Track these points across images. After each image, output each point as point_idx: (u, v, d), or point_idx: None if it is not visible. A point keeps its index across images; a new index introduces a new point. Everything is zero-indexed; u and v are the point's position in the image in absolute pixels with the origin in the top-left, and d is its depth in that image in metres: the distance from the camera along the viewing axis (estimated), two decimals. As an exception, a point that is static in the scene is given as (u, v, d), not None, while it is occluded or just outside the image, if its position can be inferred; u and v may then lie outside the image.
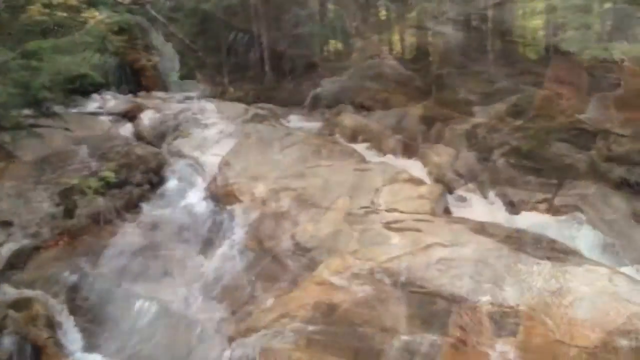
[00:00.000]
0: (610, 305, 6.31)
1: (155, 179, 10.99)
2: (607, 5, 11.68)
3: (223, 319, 7.09)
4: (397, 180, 10.63)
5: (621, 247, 9.42)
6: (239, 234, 8.69)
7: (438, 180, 11.95)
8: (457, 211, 10.61)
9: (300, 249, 8.07)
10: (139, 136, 13.58)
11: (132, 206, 10.17)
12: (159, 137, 13.42)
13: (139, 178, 10.75)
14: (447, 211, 10.46)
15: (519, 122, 12.49)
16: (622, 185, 9.85)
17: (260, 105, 17.10)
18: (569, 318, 6.17)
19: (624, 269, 8.45)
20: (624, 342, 5.68)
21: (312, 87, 20.14)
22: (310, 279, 7.24)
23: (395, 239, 7.98)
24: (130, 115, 14.78)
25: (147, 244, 8.98)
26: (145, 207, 10.20)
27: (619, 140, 10.09)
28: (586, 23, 11.06)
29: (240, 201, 9.57)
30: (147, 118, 14.18)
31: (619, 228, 9.66)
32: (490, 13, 18.17)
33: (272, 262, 7.82)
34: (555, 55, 16.19)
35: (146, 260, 8.63)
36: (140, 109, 15.03)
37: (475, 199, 11.63)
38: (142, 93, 18.13)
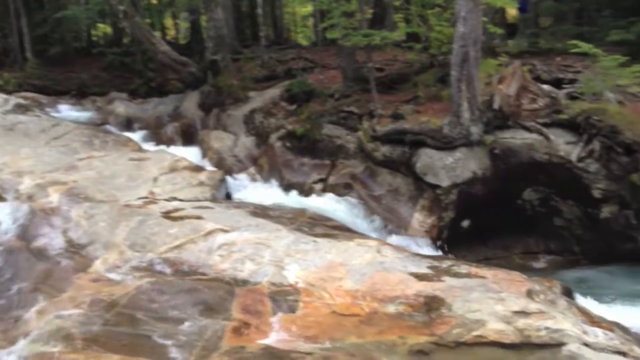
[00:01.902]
0: (379, 275, 6.82)
1: None
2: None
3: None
4: (176, 168, 10.48)
5: (387, 220, 10.22)
6: (2, 235, 7.94)
7: (218, 166, 12.00)
8: (238, 196, 10.75)
9: (74, 246, 7.59)
10: None
11: None
12: None
13: None
14: (228, 196, 10.55)
15: (292, 107, 12.93)
16: (386, 162, 10.63)
17: (23, 94, 15.74)
18: (343, 290, 6.55)
19: (390, 240, 9.22)
20: (391, 308, 6.17)
21: (82, 73, 19.06)
22: (86, 276, 6.87)
23: (175, 228, 7.85)
24: None
25: None
26: None
27: (382, 121, 10.89)
28: (348, 11, 11.71)
29: (3, 199, 8.75)
30: None
31: (386, 202, 10.46)
32: (259, -1, 18.42)
33: (42, 262, 7.25)
34: (324, 42, 17.02)
35: None
36: None
37: (255, 182, 11.87)
38: None
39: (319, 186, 11.14)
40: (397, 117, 10.87)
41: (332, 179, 11.17)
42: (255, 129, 13.12)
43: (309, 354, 5.35)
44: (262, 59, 16.70)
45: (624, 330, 6.65)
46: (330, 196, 10.70)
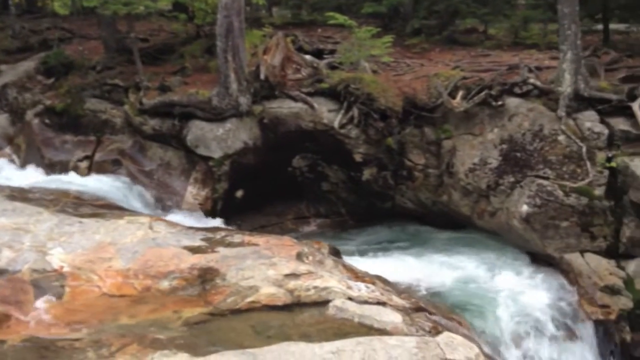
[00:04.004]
0: (151, 252, 6.66)
1: None
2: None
3: None
4: None
5: (161, 195, 10.00)
6: None
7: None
8: (-7, 179, 9.80)
9: None
10: None
11: None
12: None
13: None
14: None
15: (50, 80, 11.99)
16: (156, 136, 10.34)
17: None
18: (114, 270, 6.30)
19: (163, 216, 9.03)
20: (165, 284, 6.07)
21: None
22: None
23: None
24: None
25: None
26: None
27: (149, 93, 10.53)
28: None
29: None
30: None
31: (158, 177, 10.21)
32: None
33: None
34: (84, 11, 15.95)
35: None
36: None
37: (12, 164, 10.92)
38: None
39: (84, 164, 10.54)
40: (164, 89, 10.58)
41: (98, 156, 10.63)
42: (9, 105, 11.98)
43: (78, 339, 5.06)
44: (12, 28, 15.17)
45: (385, 282, 7.25)
46: (97, 174, 10.18)
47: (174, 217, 9.25)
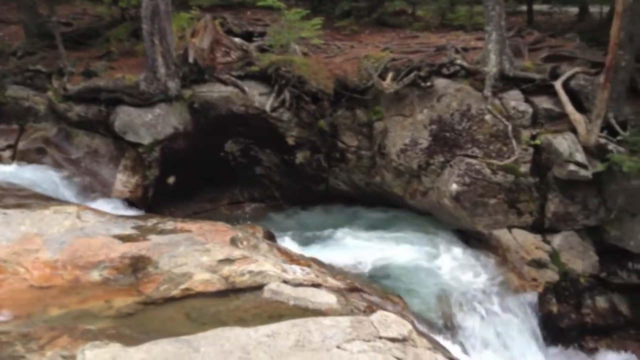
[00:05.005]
0: (80, 242, 6.47)
1: None
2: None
3: None
4: None
5: (89, 184, 9.72)
6: None
7: None
8: None
9: None
10: None
11: None
12: None
13: None
14: None
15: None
16: (82, 123, 10.02)
17: None
18: (41, 262, 6.09)
19: (92, 205, 8.79)
20: (95, 274, 5.90)
21: None
22: None
23: None
24: None
25: None
26: None
27: (74, 79, 10.18)
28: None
29: None
30: None
31: (85, 165, 9.91)
32: None
33: None
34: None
35: None
36: None
37: None
38: None
39: (7, 153, 10.13)
40: (89, 74, 10.25)
41: (22, 145, 10.23)
42: None
43: (5, 333, 4.86)
44: None
45: (320, 264, 7.30)
46: (21, 163, 9.81)
47: (104, 205, 9.01)
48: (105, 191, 9.72)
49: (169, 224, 7.29)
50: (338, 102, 10.13)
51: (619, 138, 8.52)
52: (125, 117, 9.71)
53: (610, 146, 8.44)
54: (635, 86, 9.02)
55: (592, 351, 8.46)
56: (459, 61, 9.74)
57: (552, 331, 8.23)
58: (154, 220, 7.53)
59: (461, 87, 9.49)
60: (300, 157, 10.29)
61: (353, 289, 6.43)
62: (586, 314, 8.51)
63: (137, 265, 6.01)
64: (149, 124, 9.66)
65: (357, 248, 8.90)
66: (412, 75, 9.62)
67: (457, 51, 10.08)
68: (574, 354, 8.34)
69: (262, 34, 11.59)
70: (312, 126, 10.13)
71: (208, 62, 10.01)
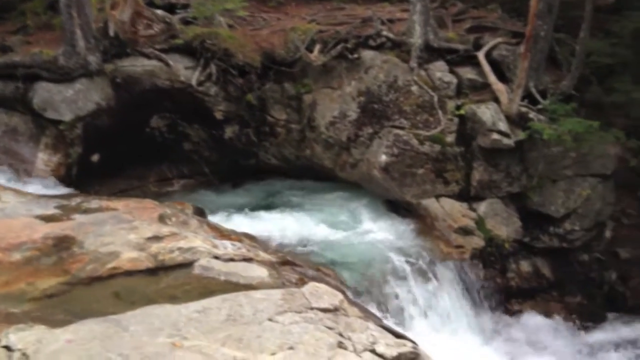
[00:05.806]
0: (0, 223, 6.23)
1: None
2: None
3: None
4: None
5: (8, 164, 9.33)
6: None
7: None
8: None
9: None
10: None
11: None
12: None
13: None
14: None
15: None
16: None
17: None
18: (-41, 246, 5.84)
19: (14, 185, 8.45)
20: (17, 255, 5.69)
21: None
22: None
23: None
24: None
25: None
26: None
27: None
28: None
29: None
30: None
31: (4, 145, 9.48)
32: None
33: None
34: None
35: None
36: None
37: None
38: None
39: None
40: (4, 49, 9.74)
41: None
42: None
43: None
44: None
45: (252, 238, 7.29)
46: None
47: (24, 185, 8.68)
48: (26, 171, 9.34)
49: (94, 203, 7.11)
50: (266, 76, 10.02)
51: (539, 107, 8.82)
52: (44, 93, 9.30)
53: (531, 114, 8.73)
54: (554, 55, 9.32)
55: (516, 313, 8.82)
56: (385, 33, 9.79)
57: (479, 296, 8.51)
58: (78, 199, 7.34)
59: (388, 58, 9.56)
60: (229, 131, 10.16)
61: (285, 263, 6.45)
62: (511, 277, 8.86)
63: (61, 246, 5.82)
64: (69, 100, 9.28)
65: (287, 221, 8.91)
66: (339, 47, 9.62)
67: (383, 23, 10.12)
68: (500, 317, 8.66)
69: (185, 6, 11.26)
70: (240, 100, 10.00)
71: (129, 35, 9.69)
